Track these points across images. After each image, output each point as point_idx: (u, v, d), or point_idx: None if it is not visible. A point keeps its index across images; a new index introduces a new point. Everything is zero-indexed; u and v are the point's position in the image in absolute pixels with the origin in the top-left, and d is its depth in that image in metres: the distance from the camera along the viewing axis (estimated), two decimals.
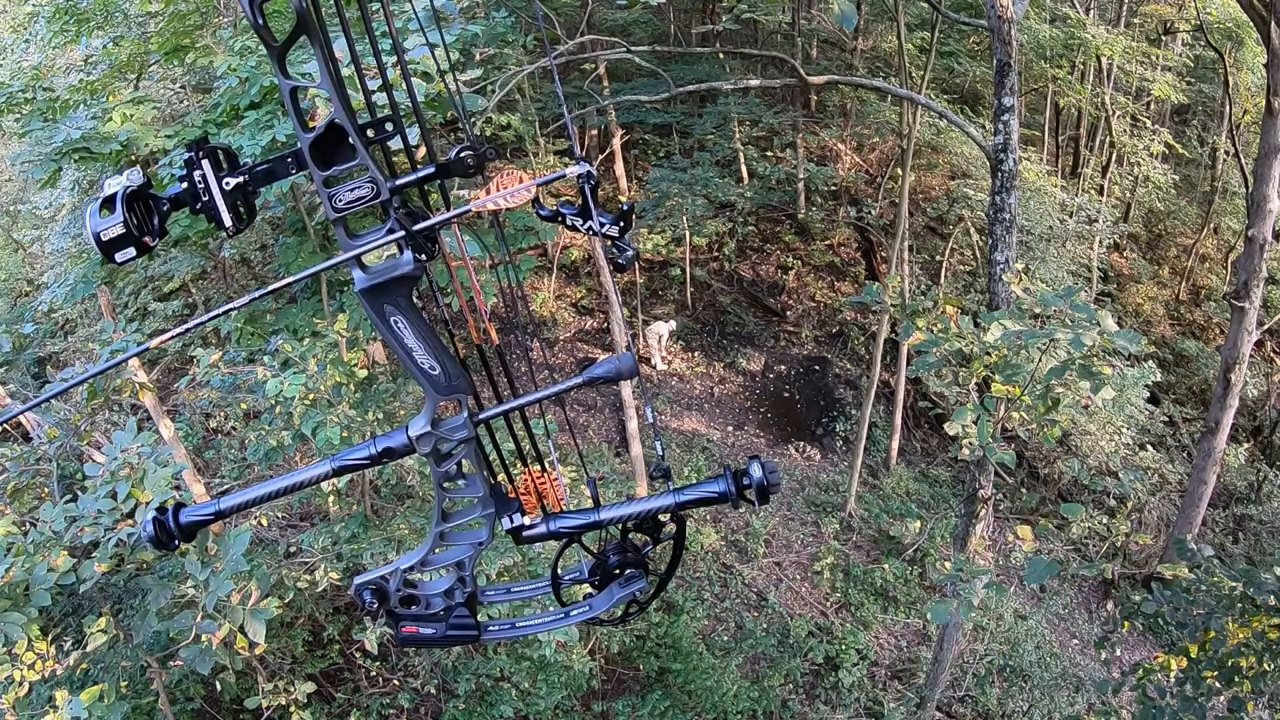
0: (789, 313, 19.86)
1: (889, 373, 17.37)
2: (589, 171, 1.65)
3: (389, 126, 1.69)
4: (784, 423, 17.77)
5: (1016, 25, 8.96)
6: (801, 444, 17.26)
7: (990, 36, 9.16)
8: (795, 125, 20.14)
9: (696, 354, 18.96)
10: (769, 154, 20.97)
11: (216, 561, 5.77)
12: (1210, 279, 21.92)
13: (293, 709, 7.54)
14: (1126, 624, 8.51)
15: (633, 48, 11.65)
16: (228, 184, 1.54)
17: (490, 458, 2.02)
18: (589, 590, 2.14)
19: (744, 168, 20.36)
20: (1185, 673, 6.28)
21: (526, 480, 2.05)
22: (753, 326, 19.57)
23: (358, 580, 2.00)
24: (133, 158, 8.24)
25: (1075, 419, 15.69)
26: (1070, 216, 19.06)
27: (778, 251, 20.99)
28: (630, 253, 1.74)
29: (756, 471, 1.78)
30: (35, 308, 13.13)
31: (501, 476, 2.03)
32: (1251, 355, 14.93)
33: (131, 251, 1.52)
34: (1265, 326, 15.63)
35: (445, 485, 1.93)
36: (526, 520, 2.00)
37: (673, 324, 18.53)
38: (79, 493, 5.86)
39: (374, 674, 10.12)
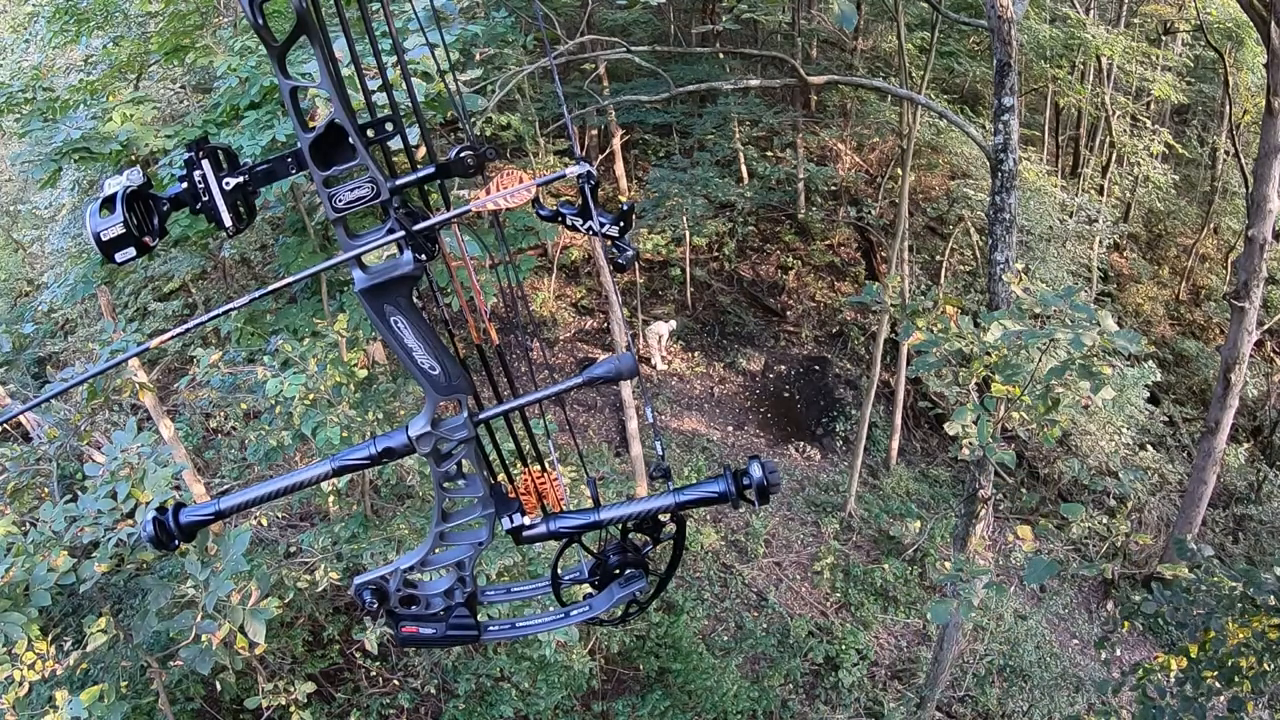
0: (789, 313, 19.86)
1: (889, 373, 17.37)
2: (589, 171, 1.65)
3: (389, 126, 1.69)
4: (784, 423, 17.77)
5: (1016, 25, 8.96)
6: (801, 444, 17.26)
7: (990, 36, 9.17)
8: (795, 125, 20.14)
9: (696, 354, 18.97)
10: (769, 154, 20.97)
11: (216, 561, 5.77)
12: (1210, 279, 21.92)
13: (293, 709, 7.54)
14: (1126, 624, 8.51)
15: (633, 48, 11.65)
16: (228, 184, 1.54)
17: (490, 458, 2.02)
18: (589, 590, 2.14)
19: (744, 168, 20.36)
20: (1185, 673, 6.28)
21: (526, 480, 2.05)
22: (753, 326, 19.58)
23: (358, 580, 2.00)
24: (133, 158, 8.24)
25: (1075, 419, 15.69)
26: (1070, 216, 19.06)
27: (778, 251, 20.99)
28: (630, 253, 1.74)
29: (756, 471, 1.78)
30: (35, 308, 13.13)
31: (501, 476, 2.03)
32: (1251, 355, 14.93)
33: (131, 251, 1.52)
34: (1265, 326, 15.64)
35: (445, 485, 1.93)
36: (526, 520, 1.99)
37: (673, 324, 18.53)
38: (79, 493, 5.86)
39: (374, 674, 10.12)
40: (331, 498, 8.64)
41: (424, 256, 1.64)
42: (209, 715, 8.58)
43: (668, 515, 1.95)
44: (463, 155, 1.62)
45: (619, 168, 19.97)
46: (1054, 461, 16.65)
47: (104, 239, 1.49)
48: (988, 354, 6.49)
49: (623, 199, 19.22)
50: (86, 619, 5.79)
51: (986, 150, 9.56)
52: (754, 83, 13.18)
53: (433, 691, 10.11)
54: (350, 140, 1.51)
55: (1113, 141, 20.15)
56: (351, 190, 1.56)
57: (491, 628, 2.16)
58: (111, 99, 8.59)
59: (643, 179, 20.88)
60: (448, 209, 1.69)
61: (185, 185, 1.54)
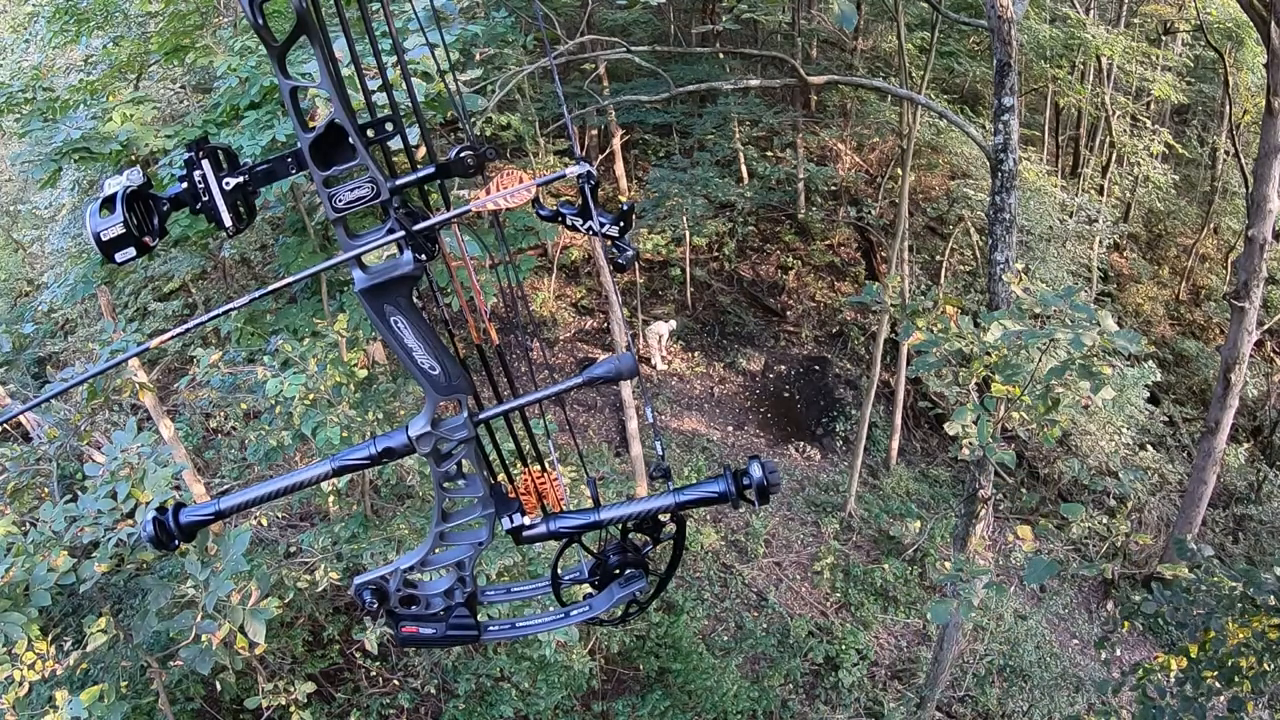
0: (789, 313, 19.86)
1: (889, 373, 17.37)
2: (589, 171, 1.65)
3: (389, 126, 1.69)
4: (784, 423, 17.77)
5: (1016, 25, 8.96)
6: (801, 444, 17.26)
7: (990, 36, 9.17)
8: (795, 125, 20.14)
9: (696, 354, 18.97)
10: (769, 154, 20.97)
11: (216, 561, 5.77)
12: (1210, 279, 21.92)
13: (293, 709, 7.54)
14: (1126, 624, 8.51)
15: (633, 48, 11.65)
16: (228, 184, 1.54)
17: (490, 458, 2.02)
18: (589, 590, 2.14)
19: (744, 168, 20.36)
20: (1185, 673, 6.28)
21: (526, 480, 2.05)
22: (753, 326, 19.58)
23: (358, 580, 2.00)
24: (133, 158, 8.24)
25: (1075, 419, 15.69)
26: (1070, 216, 19.06)
27: (778, 251, 20.99)
28: (630, 253, 1.74)
29: (756, 471, 1.78)
30: (35, 308, 13.13)
31: (501, 476, 2.03)
32: (1251, 355, 14.93)
33: (131, 251, 1.52)
34: (1265, 326, 15.64)
35: (445, 485, 1.93)
36: (526, 520, 1.99)
37: (673, 324, 18.53)
38: (79, 493, 5.86)
39: (374, 674, 10.12)
40: (331, 498, 8.64)
41: (424, 256, 1.64)
42: (209, 715, 8.58)
43: (668, 515, 1.95)
44: (463, 155, 1.62)
45: (619, 168, 19.97)
46: (1054, 461, 16.65)
47: (104, 239, 1.50)
48: (988, 354, 6.49)
49: (623, 199, 19.22)
50: (86, 619, 5.79)
51: (986, 150, 9.56)
52: (754, 83, 13.18)
53: (433, 691, 10.11)
54: (350, 140, 1.51)
55: (1113, 141, 20.15)
56: (351, 190, 1.56)
57: (491, 628, 2.16)
58: (111, 99, 8.59)
59: (643, 179, 20.88)
60: (448, 209, 1.69)
61: (185, 185, 1.54)
